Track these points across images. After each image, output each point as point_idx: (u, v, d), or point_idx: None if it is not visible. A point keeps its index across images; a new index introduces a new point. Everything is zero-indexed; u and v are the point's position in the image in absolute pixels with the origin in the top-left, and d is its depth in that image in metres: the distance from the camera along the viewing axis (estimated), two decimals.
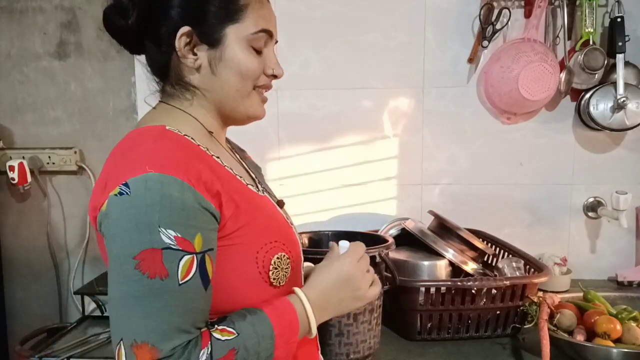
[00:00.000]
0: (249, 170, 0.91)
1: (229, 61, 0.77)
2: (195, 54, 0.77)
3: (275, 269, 0.75)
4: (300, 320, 0.74)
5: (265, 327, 0.70)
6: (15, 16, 1.78)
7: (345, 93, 1.72)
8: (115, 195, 0.65)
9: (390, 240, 1.22)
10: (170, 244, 0.64)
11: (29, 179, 1.77)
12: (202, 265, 0.67)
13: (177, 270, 0.64)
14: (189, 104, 0.80)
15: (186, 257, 0.65)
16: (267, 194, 0.86)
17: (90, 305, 1.62)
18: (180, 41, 0.75)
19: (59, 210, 1.86)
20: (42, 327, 1.55)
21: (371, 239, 1.26)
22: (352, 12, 1.68)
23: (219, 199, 0.70)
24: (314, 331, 0.76)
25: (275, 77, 0.83)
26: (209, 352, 0.65)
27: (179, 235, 0.65)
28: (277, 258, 0.75)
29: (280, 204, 0.89)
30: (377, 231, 1.60)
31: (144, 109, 0.86)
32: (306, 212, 1.76)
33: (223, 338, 0.67)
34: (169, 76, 0.80)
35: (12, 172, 1.73)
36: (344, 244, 0.86)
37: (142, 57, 0.84)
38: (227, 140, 0.97)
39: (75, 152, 1.79)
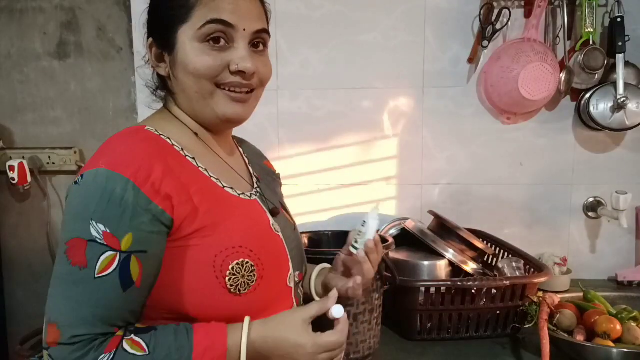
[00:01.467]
0: (252, 174, 0.90)
1: (180, 63, 0.76)
2: (165, 62, 0.79)
3: (234, 275, 0.72)
4: (229, 355, 0.70)
5: (182, 355, 0.67)
6: (15, 16, 1.78)
7: (345, 93, 1.72)
8: (73, 184, 0.70)
9: (390, 240, 1.23)
10: (96, 238, 0.65)
11: (29, 179, 1.77)
12: (124, 265, 0.66)
13: (96, 264, 0.65)
14: (174, 108, 0.83)
15: (108, 253, 0.66)
16: (258, 199, 0.85)
17: None
18: (150, 53, 0.80)
19: (59, 210, 1.86)
20: (42, 327, 1.55)
21: None
22: (352, 12, 1.68)
23: (170, 201, 0.69)
24: None
25: (242, 72, 0.76)
26: (110, 358, 0.65)
27: (108, 231, 0.66)
28: (237, 264, 0.72)
29: (274, 212, 0.86)
30: (377, 231, 1.60)
31: (144, 109, 0.87)
32: (306, 212, 1.76)
33: (131, 351, 0.66)
34: (160, 80, 0.84)
35: (12, 172, 1.73)
36: (338, 310, 0.77)
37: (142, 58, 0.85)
38: (240, 144, 0.97)
39: (75, 152, 1.79)
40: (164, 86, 0.84)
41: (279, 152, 1.75)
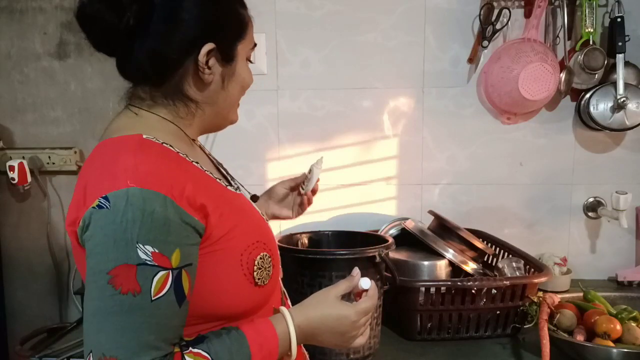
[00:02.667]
0: (220, 169, 0.93)
1: (238, 76, 0.81)
2: (209, 69, 0.76)
3: (259, 269, 0.76)
4: (280, 345, 0.74)
5: (243, 356, 0.69)
6: (15, 16, 1.78)
7: (345, 93, 1.72)
8: (94, 208, 0.64)
9: (390, 240, 1.22)
10: (146, 260, 0.63)
11: (29, 179, 1.77)
12: (177, 281, 0.66)
13: (151, 286, 0.63)
14: (179, 116, 0.79)
15: (161, 273, 0.64)
16: (239, 191, 0.87)
17: None
18: (204, 57, 0.74)
19: (59, 210, 1.86)
20: (42, 327, 1.54)
21: (371, 239, 1.26)
22: (352, 12, 1.68)
23: (204, 210, 0.69)
24: (294, 354, 0.76)
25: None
26: None
27: (157, 251, 0.64)
28: (260, 258, 0.76)
29: (254, 198, 0.91)
30: (377, 231, 1.60)
31: None
32: (306, 212, 1.74)
33: None
34: (162, 86, 0.77)
35: (12, 172, 1.73)
36: (366, 281, 0.86)
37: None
38: None
39: (75, 152, 1.79)
40: (178, 92, 0.77)
41: (279, 152, 1.75)
